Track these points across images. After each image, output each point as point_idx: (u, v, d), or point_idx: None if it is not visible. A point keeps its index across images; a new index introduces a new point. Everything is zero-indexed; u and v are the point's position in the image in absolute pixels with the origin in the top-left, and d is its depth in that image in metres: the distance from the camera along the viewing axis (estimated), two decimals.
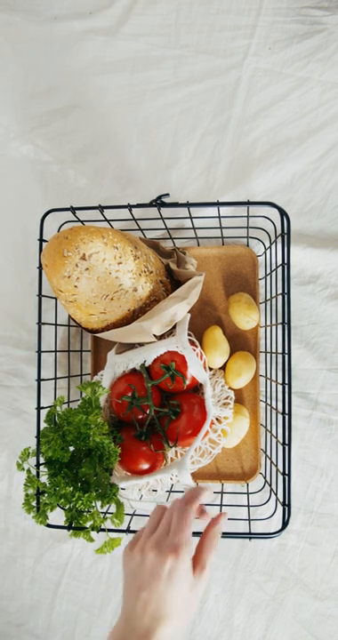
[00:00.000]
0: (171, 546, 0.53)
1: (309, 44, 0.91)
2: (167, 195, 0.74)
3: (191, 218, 0.79)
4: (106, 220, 0.79)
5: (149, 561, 0.53)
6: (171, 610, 0.51)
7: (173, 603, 0.51)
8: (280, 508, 0.72)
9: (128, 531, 0.73)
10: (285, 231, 0.72)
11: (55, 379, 0.84)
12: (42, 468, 0.74)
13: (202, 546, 0.56)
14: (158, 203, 0.73)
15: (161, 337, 0.82)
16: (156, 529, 0.57)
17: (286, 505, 0.70)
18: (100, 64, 0.97)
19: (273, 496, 0.80)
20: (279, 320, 0.82)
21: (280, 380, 0.81)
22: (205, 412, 0.78)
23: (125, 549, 0.58)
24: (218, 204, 0.72)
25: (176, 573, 0.52)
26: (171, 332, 0.82)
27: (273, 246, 0.84)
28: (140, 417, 0.81)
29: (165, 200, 0.74)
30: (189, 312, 0.81)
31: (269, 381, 0.86)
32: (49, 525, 0.72)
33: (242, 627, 0.89)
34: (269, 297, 0.87)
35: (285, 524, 0.70)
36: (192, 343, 0.80)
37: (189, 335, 0.80)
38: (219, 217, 0.79)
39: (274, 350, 0.83)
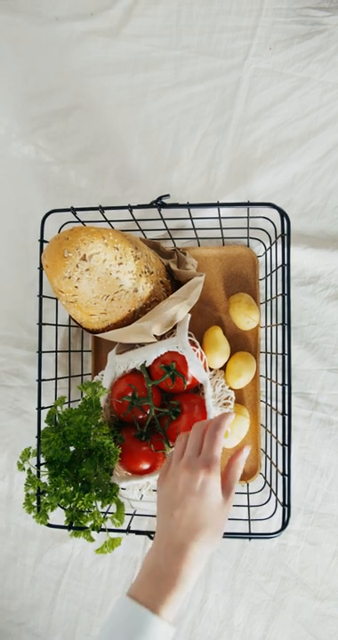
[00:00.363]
0: (203, 462, 0.57)
1: (310, 44, 0.91)
2: (168, 195, 0.74)
3: (191, 219, 0.79)
4: (106, 220, 0.79)
5: (182, 479, 0.57)
6: (204, 522, 0.55)
7: (206, 515, 0.55)
8: (280, 508, 0.73)
9: (128, 531, 0.73)
10: (285, 232, 0.72)
11: (56, 379, 0.84)
12: (42, 467, 0.74)
13: (227, 472, 0.60)
14: (158, 204, 0.73)
15: (161, 337, 0.82)
16: (184, 453, 0.61)
17: (286, 505, 0.70)
18: (102, 65, 0.97)
19: (273, 496, 0.80)
20: (280, 320, 0.83)
21: (280, 381, 0.81)
22: (206, 412, 0.78)
23: (159, 478, 0.63)
24: (218, 205, 0.72)
25: (208, 486, 0.56)
26: (171, 333, 0.82)
27: (273, 247, 0.84)
28: (141, 417, 0.81)
29: (166, 201, 0.75)
30: (189, 312, 0.82)
31: (269, 382, 0.86)
32: (49, 525, 0.73)
33: (242, 627, 0.89)
34: (269, 297, 0.87)
35: (284, 524, 0.70)
36: (192, 343, 0.80)
37: (189, 335, 0.80)
38: (219, 218, 0.79)
39: (274, 351, 0.83)
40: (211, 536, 0.55)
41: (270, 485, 0.82)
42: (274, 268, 0.84)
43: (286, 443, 0.70)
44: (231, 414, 0.62)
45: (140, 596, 0.52)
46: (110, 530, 0.70)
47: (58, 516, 0.74)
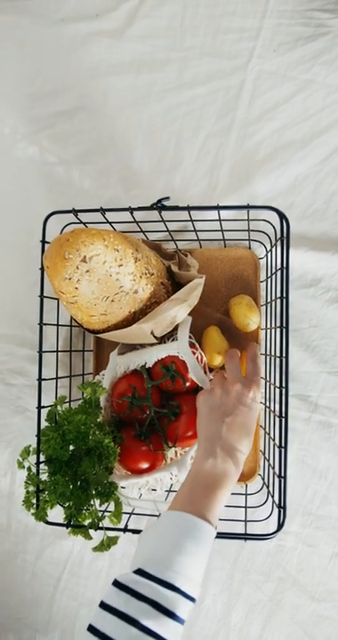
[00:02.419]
0: (252, 381, 0.70)
1: (314, 46, 0.91)
2: (168, 198, 0.75)
3: (192, 221, 0.79)
4: (108, 222, 0.80)
5: (235, 392, 0.68)
6: (250, 429, 0.66)
7: (251, 423, 0.66)
8: (277, 509, 0.73)
9: (126, 530, 0.74)
10: (285, 235, 0.72)
11: (56, 378, 0.85)
12: (42, 466, 0.75)
13: None
14: (159, 206, 0.74)
15: (162, 338, 0.82)
16: (225, 378, 0.72)
17: (282, 507, 0.71)
18: (106, 66, 0.98)
19: (270, 497, 0.81)
20: (279, 323, 0.83)
21: (279, 384, 0.82)
22: None
23: (202, 392, 0.72)
24: (218, 207, 0.73)
25: (255, 401, 0.68)
26: (171, 334, 0.83)
27: (274, 249, 0.85)
28: (141, 417, 0.82)
29: (166, 203, 0.75)
30: (190, 314, 0.82)
31: (268, 384, 0.86)
32: (48, 522, 0.73)
33: (239, 626, 0.90)
34: (270, 299, 0.87)
35: (280, 526, 0.70)
36: (192, 345, 0.81)
37: (189, 337, 0.81)
38: (219, 220, 0.80)
39: (275, 353, 0.83)
40: (250, 442, 0.65)
41: (268, 487, 0.83)
42: (275, 270, 0.84)
43: (283, 445, 0.71)
44: (256, 344, 0.76)
45: (185, 507, 0.58)
46: (108, 528, 0.71)
47: (58, 513, 0.75)
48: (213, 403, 0.68)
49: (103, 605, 0.52)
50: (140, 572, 0.53)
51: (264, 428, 0.87)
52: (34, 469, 0.75)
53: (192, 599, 0.53)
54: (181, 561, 0.53)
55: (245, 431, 0.65)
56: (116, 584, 0.53)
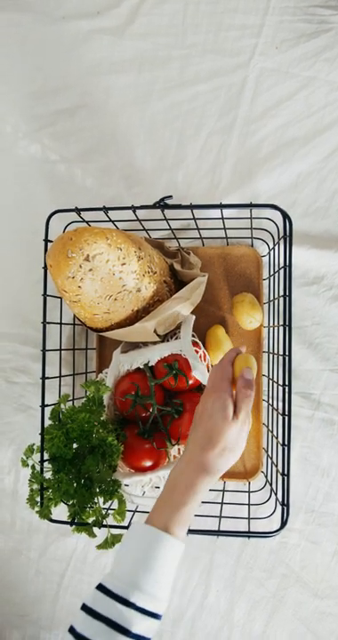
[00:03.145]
0: (210, 390, 0.65)
1: (317, 43, 0.91)
2: (170, 197, 0.75)
3: (195, 219, 0.79)
4: (110, 220, 0.80)
5: (201, 404, 0.65)
6: (212, 436, 0.60)
7: (214, 430, 0.60)
8: (280, 507, 0.73)
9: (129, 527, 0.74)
10: (288, 234, 0.72)
11: (60, 377, 0.85)
12: (46, 464, 0.75)
13: (236, 399, 0.64)
14: (161, 205, 0.74)
15: (164, 337, 0.83)
16: None
17: (285, 505, 0.71)
18: (108, 64, 0.97)
19: (274, 494, 0.81)
20: (282, 321, 0.83)
21: (282, 381, 0.82)
22: None
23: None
24: (221, 206, 0.73)
25: (215, 405, 0.62)
26: (175, 333, 0.83)
27: (277, 247, 0.85)
28: (144, 415, 0.82)
29: (169, 201, 0.75)
30: (192, 312, 0.82)
31: (271, 382, 0.86)
32: (52, 520, 0.74)
33: (242, 622, 0.90)
34: (272, 297, 0.87)
35: (283, 523, 0.71)
36: (195, 344, 0.81)
37: (192, 336, 0.81)
38: (222, 218, 0.80)
39: (277, 351, 0.83)
40: (222, 450, 0.59)
41: (271, 484, 0.83)
42: (277, 268, 0.84)
43: (286, 443, 0.71)
44: (232, 349, 0.69)
45: (151, 519, 0.57)
46: (112, 526, 0.72)
47: (61, 511, 0.75)
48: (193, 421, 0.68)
49: (69, 629, 0.52)
50: (100, 587, 0.53)
51: (267, 426, 0.87)
52: (38, 467, 0.75)
53: (152, 615, 0.52)
54: (139, 576, 0.52)
55: (209, 437, 0.60)
56: (82, 606, 0.53)
